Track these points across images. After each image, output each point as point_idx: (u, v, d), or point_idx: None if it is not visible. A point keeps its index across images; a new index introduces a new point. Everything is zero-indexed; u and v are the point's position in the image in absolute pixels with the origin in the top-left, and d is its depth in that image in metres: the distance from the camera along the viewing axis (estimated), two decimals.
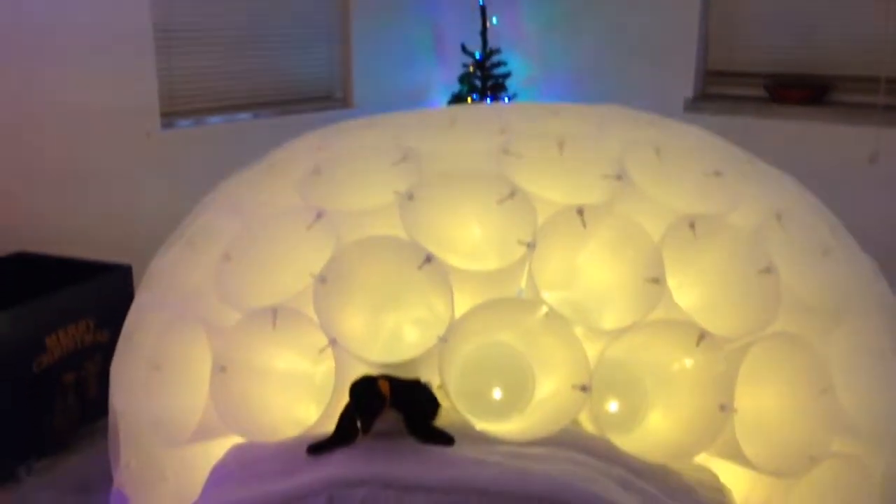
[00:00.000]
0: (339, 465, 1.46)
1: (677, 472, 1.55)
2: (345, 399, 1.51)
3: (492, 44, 4.58)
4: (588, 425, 1.61)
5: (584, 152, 1.84)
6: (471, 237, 1.83)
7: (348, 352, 1.59)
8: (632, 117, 2.12)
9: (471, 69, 4.57)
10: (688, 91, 4.19)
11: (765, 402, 1.67)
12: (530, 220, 1.68)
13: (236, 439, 1.65)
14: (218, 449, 1.65)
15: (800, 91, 3.91)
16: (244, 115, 4.03)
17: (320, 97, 4.39)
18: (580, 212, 1.67)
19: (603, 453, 1.52)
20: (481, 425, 1.56)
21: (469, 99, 4.62)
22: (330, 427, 1.54)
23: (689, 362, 1.67)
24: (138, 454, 1.91)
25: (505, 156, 1.80)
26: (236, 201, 1.98)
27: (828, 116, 3.78)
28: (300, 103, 4.26)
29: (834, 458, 1.65)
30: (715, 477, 1.59)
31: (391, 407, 1.49)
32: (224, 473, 1.57)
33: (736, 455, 1.57)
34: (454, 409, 1.57)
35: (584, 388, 1.54)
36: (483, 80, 4.56)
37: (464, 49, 4.58)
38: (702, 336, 1.58)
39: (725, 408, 1.55)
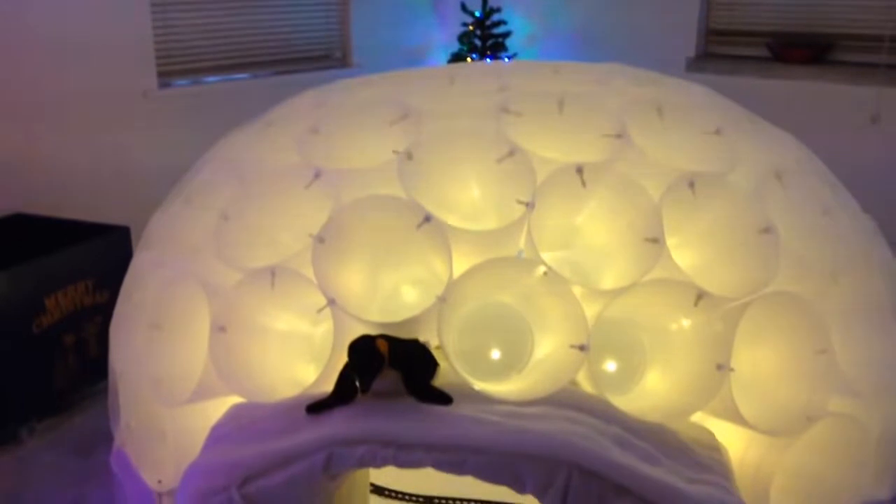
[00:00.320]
0: (337, 423, 1.47)
1: (674, 431, 1.56)
2: (343, 359, 1.51)
3: (492, 2, 4.52)
4: (586, 385, 1.62)
5: (585, 111, 1.82)
6: (470, 196, 1.82)
7: (347, 312, 1.59)
8: (633, 75, 2.10)
9: (470, 28, 4.52)
10: (690, 51, 4.15)
11: (762, 361, 1.67)
12: (529, 179, 1.66)
13: (236, 399, 1.66)
14: (217, 408, 1.66)
15: (802, 50, 3.87)
16: (242, 75, 4.00)
17: (319, 56, 4.35)
18: (579, 171, 1.66)
19: (600, 412, 1.52)
20: (480, 385, 1.56)
21: (469, 58, 4.57)
22: (329, 387, 1.54)
23: (686, 322, 1.67)
24: (138, 414, 1.93)
25: (504, 114, 1.78)
26: (234, 160, 1.96)
27: (830, 76, 3.74)
28: (299, 63, 4.22)
29: (831, 417, 1.66)
30: (711, 436, 1.60)
31: (390, 366, 1.49)
32: (223, 433, 1.58)
33: (732, 414, 1.58)
34: (453, 369, 1.57)
35: (582, 348, 1.54)
36: (483, 40, 4.51)
37: (463, 8, 4.52)
38: (700, 296, 1.58)
39: (722, 367, 1.55)
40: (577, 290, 1.60)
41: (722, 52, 4.17)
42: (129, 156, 3.53)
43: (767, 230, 1.67)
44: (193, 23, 3.80)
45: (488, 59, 4.56)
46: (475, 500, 2.16)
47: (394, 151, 1.71)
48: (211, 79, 3.89)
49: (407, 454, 1.44)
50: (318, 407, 1.52)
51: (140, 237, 2.08)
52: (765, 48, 3.99)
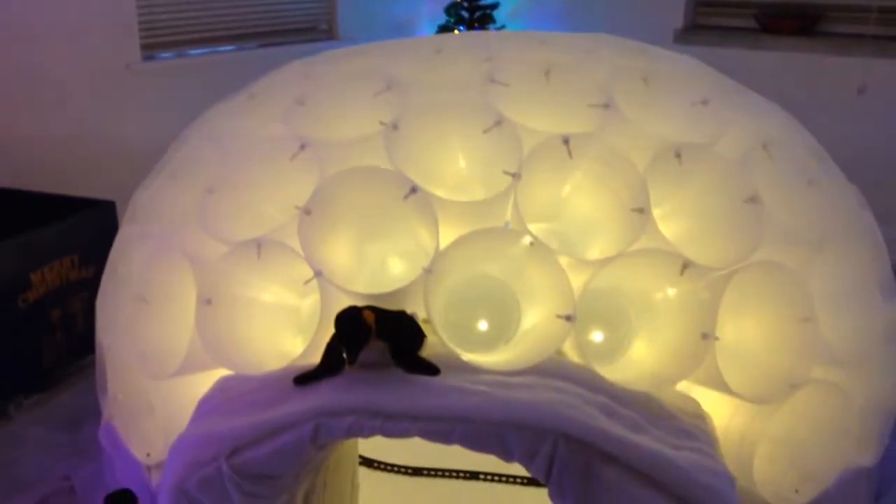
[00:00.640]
0: (325, 394, 1.47)
1: (659, 399, 1.57)
2: (330, 331, 1.51)
3: None
4: (572, 355, 1.62)
5: (571, 81, 1.81)
6: (456, 167, 1.81)
7: (333, 283, 1.59)
8: (620, 46, 2.09)
9: (458, 0, 4.48)
10: (677, 22, 4.13)
11: (746, 330, 1.68)
12: (516, 149, 1.66)
13: (223, 372, 1.66)
14: (205, 381, 1.66)
15: (790, 21, 3.86)
16: (227, 48, 3.95)
17: (305, 29, 4.31)
18: (566, 141, 1.65)
19: (587, 382, 1.53)
20: (467, 357, 1.57)
21: (456, 31, 4.54)
22: (316, 359, 1.54)
23: (672, 291, 1.68)
24: (126, 387, 1.93)
25: (491, 84, 1.77)
26: (219, 132, 1.95)
27: (818, 47, 3.73)
28: (284, 35, 4.17)
29: (814, 385, 1.67)
30: (696, 404, 1.62)
31: (377, 337, 1.49)
32: (211, 405, 1.58)
33: (717, 383, 1.59)
34: (440, 341, 1.58)
35: (568, 318, 1.55)
36: (470, 11, 4.48)
37: None
38: (685, 265, 1.59)
39: (707, 336, 1.56)
40: (563, 261, 1.60)
41: (710, 23, 4.15)
42: (114, 129, 3.50)
43: (753, 200, 1.67)
44: None
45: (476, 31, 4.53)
46: (463, 471, 2.18)
47: (380, 122, 1.70)
48: (195, 51, 3.84)
49: (394, 424, 1.45)
50: (305, 378, 1.52)
51: (125, 211, 2.07)
52: (752, 19, 3.98)
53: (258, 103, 1.99)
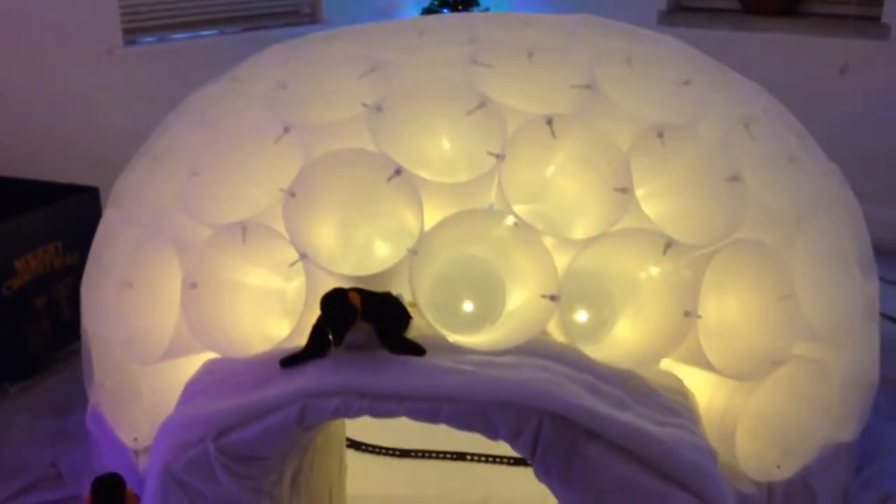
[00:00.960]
0: (311, 376, 1.48)
1: (643, 377, 1.59)
2: (316, 313, 1.51)
3: None
4: (557, 335, 1.64)
5: (555, 62, 1.82)
6: (440, 149, 1.82)
7: (319, 266, 1.59)
8: (603, 27, 2.09)
9: None
10: (661, 3, 4.12)
11: (728, 307, 1.70)
12: (500, 131, 1.66)
13: (210, 355, 1.66)
14: (191, 365, 1.66)
15: (773, 2, 3.87)
16: (210, 32, 3.92)
17: (288, 12, 4.27)
18: (549, 122, 1.66)
19: (571, 360, 1.55)
20: (453, 338, 1.58)
21: (440, 13, 4.52)
22: (302, 341, 1.55)
23: (655, 270, 1.69)
24: (112, 373, 1.93)
25: (474, 66, 1.77)
26: (202, 116, 1.94)
27: (801, 28, 3.75)
28: (267, 19, 4.14)
29: (794, 361, 1.69)
30: (679, 381, 1.64)
31: (362, 319, 1.49)
32: (198, 388, 1.59)
33: (699, 360, 1.61)
34: (426, 322, 1.58)
35: (553, 298, 1.56)
36: None
37: None
38: (668, 244, 1.60)
39: (690, 314, 1.58)
40: (547, 241, 1.61)
41: (693, 4, 4.15)
42: (96, 115, 3.47)
43: (735, 179, 1.68)
44: None
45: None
46: (450, 452, 2.20)
47: (363, 105, 1.70)
48: (178, 35, 3.81)
49: (382, 405, 1.46)
50: (291, 361, 1.53)
51: (109, 197, 2.06)
52: (736, 0, 3.98)
53: (241, 87, 1.98)
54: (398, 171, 1.61)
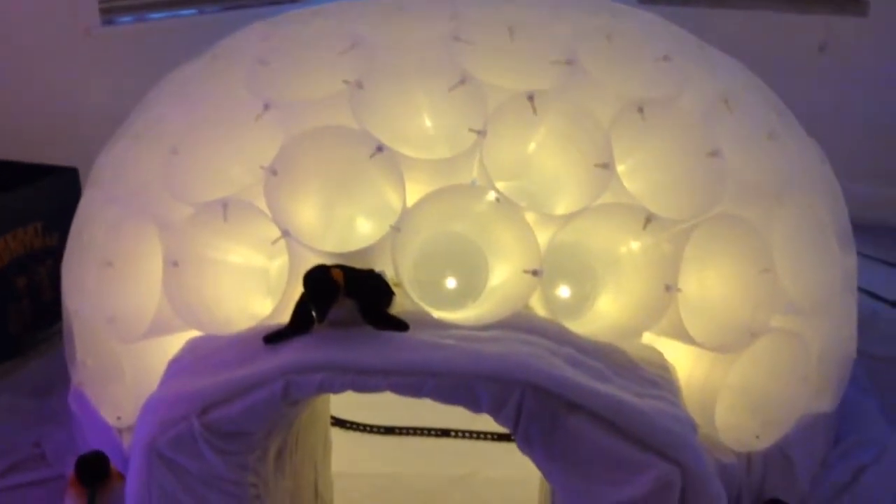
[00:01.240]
0: (295, 352, 1.48)
1: (624, 350, 1.60)
2: (299, 290, 1.51)
3: None
4: (540, 310, 1.65)
5: (535, 38, 1.82)
6: (422, 126, 1.82)
7: (301, 243, 1.59)
8: (584, 4, 2.09)
9: None
10: None
11: (708, 281, 1.72)
12: (481, 107, 1.67)
13: (192, 333, 1.66)
14: (174, 344, 1.66)
15: None
16: (188, 11, 3.88)
17: None
18: (531, 98, 1.66)
19: (553, 334, 1.56)
20: (437, 314, 1.58)
21: None
22: (285, 318, 1.55)
23: (636, 244, 1.70)
24: (95, 352, 1.92)
25: (455, 42, 1.77)
26: (182, 94, 1.93)
27: (780, 5, 3.76)
28: None
29: (773, 333, 1.72)
30: (660, 354, 1.65)
31: (345, 295, 1.49)
32: (181, 365, 1.59)
33: (680, 333, 1.63)
34: (409, 299, 1.59)
35: (535, 273, 1.57)
36: None
37: None
38: (649, 219, 1.61)
39: (671, 288, 1.60)
40: (529, 217, 1.62)
41: None
42: (74, 95, 3.43)
43: (714, 154, 1.70)
44: None
45: None
46: (434, 429, 2.21)
47: (344, 81, 1.69)
48: (156, 15, 3.77)
49: (366, 379, 1.47)
50: (275, 337, 1.53)
51: (88, 177, 2.05)
52: None
53: (221, 65, 1.97)
54: (380, 148, 1.61)
